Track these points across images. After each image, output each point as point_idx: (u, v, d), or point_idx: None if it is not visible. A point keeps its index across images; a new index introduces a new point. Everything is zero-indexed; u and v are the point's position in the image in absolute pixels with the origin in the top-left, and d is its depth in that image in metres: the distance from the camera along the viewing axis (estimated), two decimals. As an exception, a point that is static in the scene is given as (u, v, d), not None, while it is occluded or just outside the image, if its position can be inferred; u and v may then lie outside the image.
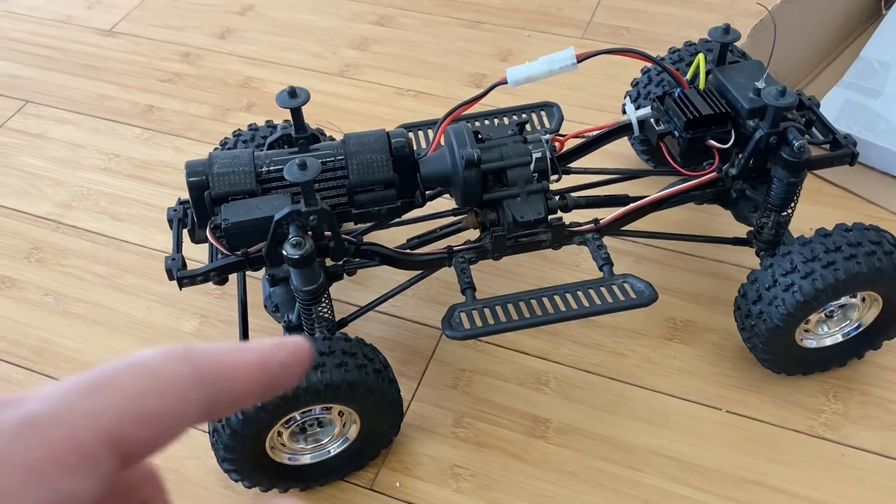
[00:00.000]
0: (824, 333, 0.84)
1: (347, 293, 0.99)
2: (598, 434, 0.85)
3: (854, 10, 1.29)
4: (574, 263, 1.01)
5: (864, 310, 0.83)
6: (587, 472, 0.82)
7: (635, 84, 1.02)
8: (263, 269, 0.80)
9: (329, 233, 0.75)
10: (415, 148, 0.94)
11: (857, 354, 0.87)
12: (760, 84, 0.79)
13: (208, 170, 0.77)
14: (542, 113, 0.98)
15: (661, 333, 0.93)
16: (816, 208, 1.05)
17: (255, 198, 0.76)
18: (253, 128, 0.95)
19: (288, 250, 0.71)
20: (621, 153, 1.11)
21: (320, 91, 1.28)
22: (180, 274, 0.77)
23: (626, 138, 0.99)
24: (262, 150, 0.80)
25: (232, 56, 1.36)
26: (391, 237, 0.99)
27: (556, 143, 0.87)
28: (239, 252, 0.76)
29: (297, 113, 0.80)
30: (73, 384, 0.22)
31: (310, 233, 0.74)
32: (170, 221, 0.83)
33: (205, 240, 0.78)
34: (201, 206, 0.77)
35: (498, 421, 0.87)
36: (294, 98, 0.79)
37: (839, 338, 0.84)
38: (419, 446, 0.85)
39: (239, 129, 0.95)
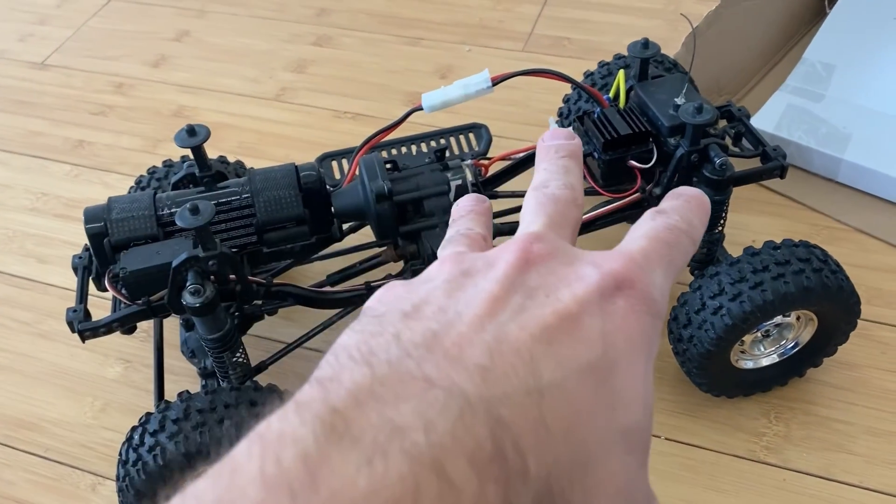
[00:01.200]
0: (761, 353, 0.81)
1: (276, 330, 0.95)
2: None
3: (798, 9, 1.26)
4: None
5: (799, 328, 0.80)
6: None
7: (566, 100, 1.00)
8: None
9: (234, 276, 0.72)
10: (337, 177, 0.92)
11: (797, 373, 0.84)
12: (679, 100, 0.76)
13: (107, 216, 0.74)
14: (471, 135, 0.95)
15: (598, 358, 0.90)
16: (759, 219, 1.02)
17: (155, 243, 0.73)
18: (168, 164, 0.92)
19: (187, 299, 0.68)
20: (559, 170, 1.08)
21: (255, 117, 1.24)
22: (81, 326, 0.74)
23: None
24: (166, 192, 0.77)
25: (165, 84, 1.33)
26: (325, 269, 0.96)
27: (481, 168, 0.85)
28: (140, 301, 0.72)
29: (198, 151, 0.77)
30: None
31: (212, 278, 0.70)
32: (75, 269, 0.80)
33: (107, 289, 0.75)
34: (102, 254, 0.74)
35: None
36: (193, 136, 0.76)
37: (776, 358, 0.81)
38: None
39: (154, 167, 0.92)
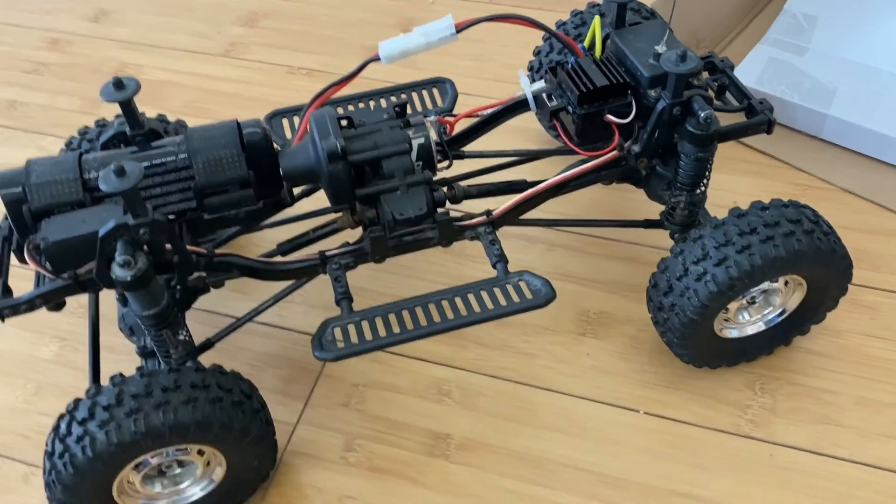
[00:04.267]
0: (746, 321, 0.76)
1: (225, 304, 0.88)
2: (503, 448, 0.76)
3: (778, -41, 1.20)
4: (480, 255, 0.91)
5: (787, 294, 0.75)
6: (492, 492, 0.74)
7: (537, 53, 0.93)
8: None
9: (170, 246, 0.65)
10: (289, 136, 0.84)
11: (783, 341, 0.79)
12: (661, 48, 0.70)
13: (25, 180, 0.66)
14: (434, 90, 0.87)
15: (572, 328, 0.84)
16: (739, 178, 0.96)
17: (81, 210, 0.65)
18: (101, 123, 0.83)
19: (116, 272, 0.60)
20: (529, 128, 1.01)
21: (203, 75, 1.16)
22: (0, 304, 0.66)
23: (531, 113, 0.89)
24: (93, 153, 0.69)
25: (106, 41, 1.23)
26: (277, 238, 0.89)
27: (447, 126, 0.78)
28: (66, 275, 0.65)
29: (127, 106, 0.69)
30: None
31: (145, 248, 0.63)
32: (-7, 241, 0.72)
33: (29, 262, 0.67)
34: (22, 223, 0.66)
35: (394, 440, 0.78)
36: (121, 90, 0.68)
37: (762, 326, 0.76)
38: (304, 476, 0.76)
39: (85, 127, 0.83)
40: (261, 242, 0.91)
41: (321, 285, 0.87)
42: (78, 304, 0.89)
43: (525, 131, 1.01)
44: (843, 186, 0.95)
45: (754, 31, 1.14)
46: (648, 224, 0.81)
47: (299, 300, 0.88)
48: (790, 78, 1.02)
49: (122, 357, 0.83)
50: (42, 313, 0.80)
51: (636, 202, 0.93)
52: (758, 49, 1.07)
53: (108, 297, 0.83)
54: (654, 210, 0.83)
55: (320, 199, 0.82)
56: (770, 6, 1.17)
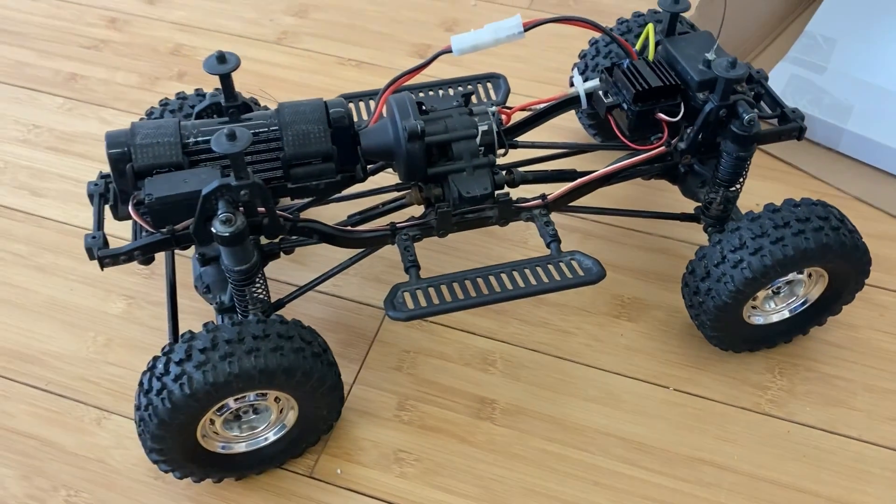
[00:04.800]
0: (771, 310, 0.84)
1: (286, 272, 0.94)
2: (544, 414, 0.83)
3: (799, -16, 1.28)
4: (521, 240, 0.99)
5: (810, 286, 0.82)
6: (534, 453, 0.80)
7: (583, 56, 1.00)
8: (193, 247, 0.75)
9: (262, 209, 0.71)
10: (355, 120, 0.90)
11: (802, 330, 0.86)
12: (711, 55, 0.77)
13: (130, 141, 0.72)
14: (489, 84, 0.94)
15: (608, 311, 0.91)
16: (763, 184, 1.04)
17: (181, 171, 0.71)
18: (181, 97, 0.89)
19: (217, 227, 0.67)
20: (568, 127, 1.08)
21: (256, 59, 1.22)
22: (101, 253, 0.72)
23: (573, 112, 0.96)
24: (189, 121, 0.75)
25: (162, 22, 1.29)
26: (332, 213, 0.95)
27: (503, 116, 0.84)
28: (164, 230, 0.71)
29: (226, 80, 0.75)
30: None
31: (241, 209, 0.69)
32: (90, 196, 0.77)
33: (128, 216, 0.72)
34: (124, 180, 0.72)
35: (443, 403, 0.84)
36: (223, 63, 0.74)
37: (786, 314, 0.84)
38: (361, 431, 0.82)
39: (166, 98, 0.89)
40: (320, 215, 0.97)
41: (371, 261, 0.94)
42: (141, 266, 0.94)
43: (564, 129, 1.08)
44: (856, 195, 1.03)
45: (775, 50, 1.22)
46: (684, 217, 0.88)
47: (353, 272, 0.94)
48: (811, 94, 1.10)
49: (189, 315, 0.89)
50: (109, 273, 0.86)
51: (665, 198, 1.01)
52: (781, 66, 1.15)
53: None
54: (682, 207, 0.90)
55: (380, 179, 0.88)
56: (792, 27, 1.25)
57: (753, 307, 0.82)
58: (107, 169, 0.77)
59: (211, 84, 1.12)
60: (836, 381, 0.85)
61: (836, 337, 0.89)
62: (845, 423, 0.82)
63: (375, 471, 0.79)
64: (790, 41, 1.19)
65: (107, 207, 0.77)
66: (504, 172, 0.81)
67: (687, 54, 0.79)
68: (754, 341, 0.85)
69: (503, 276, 0.75)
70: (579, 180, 0.82)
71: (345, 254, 0.83)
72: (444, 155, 0.78)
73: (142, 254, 0.73)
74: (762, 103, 0.86)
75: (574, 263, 0.76)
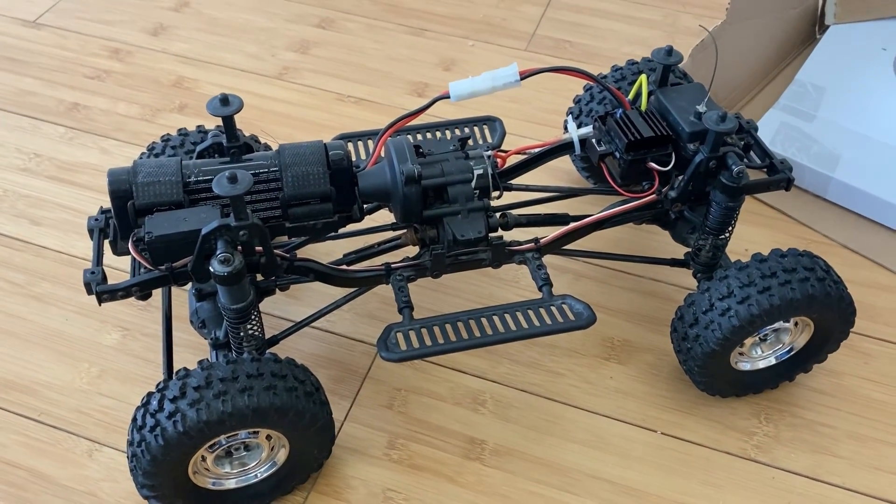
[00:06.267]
0: (758, 356, 0.85)
1: (280, 307, 0.95)
2: (533, 456, 0.84)
3: (790, 33, 1.31)
4: (513, 280, 1.00)
5: (796, 334, 0.84)
6: (522, 495, 0.81)
7: (577, 101, 1.02)
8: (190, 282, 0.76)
9: (261, 248, 0.72)
10: (353, 159, 0.92)
11: (788, 377, 0.88)
12: (702, 108, 0.79)
13: (132, 178, 0.73)
14: (485, 127, 0.96)
15: (598, 353, 0.93)
16: (751, 229, 1.06)
17: (181, 209, 0.72)
18: (183, 133, 0.90)
19: (215, 267, 0.68)
20: (562, 168, 1.10)
21: (257, 94, 1.24)
22: (100, 288, 0.73)
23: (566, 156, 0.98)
24: (191, 159, 0.77)
25: (165, 54, 1.31)
26: (328, 249, 0.97)
27: (498, 160, 0.86)
28: (163, 267, 0.72)
29: (229, 121, 0.77)
30: None
31: (239, 248, 0.70)
32: (90, 231, 0.78)
33: (127, 252, 0.74)
34: (124, 217, 0.73)
35: (433, 442, 0.85)
36: (226, 105, 0.75)
37: (772, 360, 0.85)
38: (351, 469, 0.82)
39: (168, 134, 0.90)
40: (314, 253, 0.99)
41: (366, 298, 0.95)
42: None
43: (558, 170, 1.10)
44: (843, 243, 1.05)
45: (765, 98, 1.25)
46: (674, 263, 0.90)
47: (347, 308, 0.95)
48: (799, 141, 1.13)
49: (184, 349, 0.90)
50: (105, 305, 0.87)
51: (656, 241, 1.02)
52: (771, 113, 1.17)
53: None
54: (671, 251, 0.92)
55: (375, 218, 0.90)
56: (782, 75, 1.28)
57: (741, 353, 0.84)
58: (105, 199, 0.79)
59: (210, 117, 1.14)
60: (821, 427, 0.87)
61: (821, 384, 0.90)
62: (829, 471, 0.83)
63: (364, 509, 0.80)
64: (781, 88, 1.22)
65: (106, 242, 0.78)
66: (498, 216, 0.83)
67: (679, 105, 0.82)
68: (741, 387, 0.87)
69: (495, 318, 0.77)
70: (571, 225, 0.83)
71: (339, 291, 0.84)
72: (440, 198, 0.79)
73: (139, 290, 0.74)
74: (752, 153, 0.88)
75: (565, 307, 0.78)
